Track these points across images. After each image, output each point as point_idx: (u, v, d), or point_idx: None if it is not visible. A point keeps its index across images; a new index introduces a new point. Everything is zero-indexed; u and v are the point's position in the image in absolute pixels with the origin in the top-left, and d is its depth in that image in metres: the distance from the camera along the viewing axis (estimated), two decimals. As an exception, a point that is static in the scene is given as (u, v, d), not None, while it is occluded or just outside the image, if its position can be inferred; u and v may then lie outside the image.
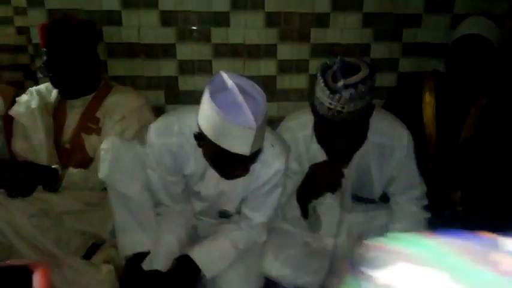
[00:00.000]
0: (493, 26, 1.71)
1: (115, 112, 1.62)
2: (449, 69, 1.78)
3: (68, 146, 1.64)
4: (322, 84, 1.20)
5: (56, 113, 1.67)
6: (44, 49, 1.55)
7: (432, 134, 1.78)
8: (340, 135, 1.25)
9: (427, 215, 1.54)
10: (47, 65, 1.55)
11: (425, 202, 1.55)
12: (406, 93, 1.86)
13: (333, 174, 1.33)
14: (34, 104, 1.65)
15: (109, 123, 1.62)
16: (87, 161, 1.62)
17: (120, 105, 1.64)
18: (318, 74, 1.23)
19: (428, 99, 1.81)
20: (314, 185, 1.35)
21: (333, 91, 1.17)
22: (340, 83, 1.16)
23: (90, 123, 1.63)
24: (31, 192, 1.46)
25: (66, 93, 1.63)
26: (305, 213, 1.45)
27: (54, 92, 1.67)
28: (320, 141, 1.36)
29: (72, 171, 1.55)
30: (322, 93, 1.20)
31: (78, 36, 1.56)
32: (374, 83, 1.21)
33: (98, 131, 1.62)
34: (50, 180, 1.50)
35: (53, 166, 1.53)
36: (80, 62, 1.57)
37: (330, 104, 1.19)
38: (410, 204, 1.52)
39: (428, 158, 1.78)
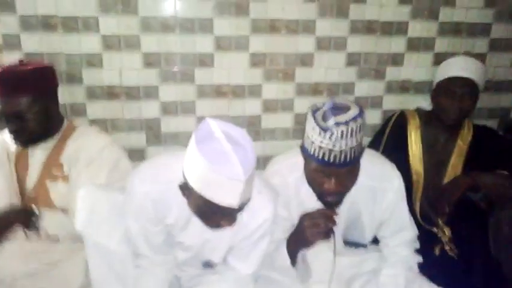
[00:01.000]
0: (482, 68, 1.76)
1: (80, 157, 1.55)
2: (436, 108, 1.80)
3: (32, 195, 1.57)
4: (313, 123, 1.20)
5: (17, 162, 1.60)
6: None
7: (419, 172, 1.78)
8: (331, 176, 1.23)
9: (419, 258, 1.51)
10: (1, 115, 1.48)
11: (417, 245, 1.52)
12: (391, 131, 1.86)
13: (325, 223, 1.30)
14: None
15: (75, 170, 1.54)
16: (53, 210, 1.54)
17: (83, 149, 1.56)
18: (309, 115, 1.24)
19: (414, 137, 1.81)
20: (306, 236, 1.32)
21: (324, 129, 1.17)
22: (331, 121, 1.17)
23: (54, 170, 1.56)
24: (5, 238, 1.40)
25: (23, 141, 1.55)
26: (294, 263, 1.41)
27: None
28: (310, 183, 1.33)
29: (49, 213, 1.49)
30: (313, 132, 1.20)
31: (29, 84, 1.49)
32: (364, 122, 1.21)
33: (65, 178, 1.55)
34: (28, 221, 1.44)
35: (27, 206, 1.48)
36: (34, 110, 1.49)
37: (321, 142, 1.18)
38: (401, 248, 1.49)
39: (414, 196, 1.75)
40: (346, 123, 1.16)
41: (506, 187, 1.55)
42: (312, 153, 1.22)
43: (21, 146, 1.57)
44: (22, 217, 1.44)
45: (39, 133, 1.54)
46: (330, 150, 1.18)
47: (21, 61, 1.57)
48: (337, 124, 1.16)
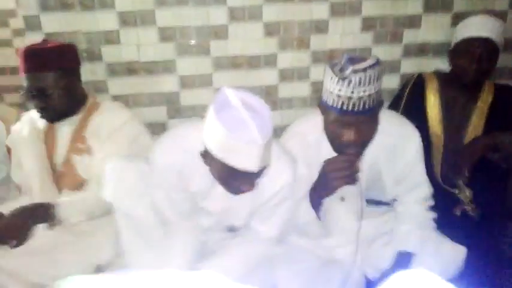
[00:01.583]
0: (500, 27, 1.71)
1: (101, 131, 1.60)
2: (454, 69, 1.77)
3: (62, 169, 1.63)
4: (332, 74, 1.22)
5: (46, 138, 1.65)
6: (24, 74, 1.52)
7: (439, 135, 1.77)
8: (350, 126, 1.24)
9: (433, 215, 1.52)
10: (27, 92, 1.53)
11: (431, 202, 1.53)
12: (409, 95, 1.85)
13: (348, 166, 1.29)
14: (25, 132, 1.64)
15: (97, 143, 1.60)
16: (79, 183, 1.60)
17: (105, 123, 1.61)
18: (327, 68, 1.25)
19: (432, 100, 1.80)
20: (329, 179, 1.31)
21: (343, 78, 1.19)
22: (349, 69, 1.18)
23: (80, 144, 1.61)
24: (29, 236, 1.42)
25: (49, 118, 1.60)
26: (319, 215, 1.42)
27: None
28: (330, 138, 1.34)
29: (65, 199, 1.52)
30: (331, 82, 1.22)
31: (54, 60, 1.53)
32: (382, 72, 1.22)
33: (89, 151, 1.60)
34: (47, 216, 1.45)
35: (42, 203, 1.48)
36: (58, 86, 1.54)
37: (340, 90, 1.20)
38: (415, 205, 1.51)
39: (434, 159, 1.75)
40: (364, 70, 1.17)
41: None
42: (331, 104, 1.24)
43: (48, 122, 1.62)
44: (40, 214, 1.44)
45: (64, 109, 1.59)
46: (349, 98, 1.19)
47: (44, 40, 1.62)
48: (355, 71, 1.17)
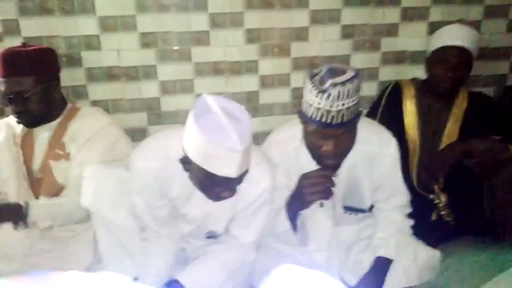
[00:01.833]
0: (475, 36, 1.75)
1: (79, 136, 1.59)
2: (430, 77, 1.82)
3: (39, 175, 1.60)
4: (311, 86, 1.23)
5: (23, 144, 1.63)
6: (1, 79, 1.50)
7: (415, 141, 1.80)
8: (329, 138, 1.26)
9: (410, 222, 1.55)
10: (4, 96, 1.50)
11: (409, 210, 1.56)
12: (386, 102, 1.89)
13: (324, 182, 1.32)
14: (1, 137, 1.62)
15: (75, 148, 1.58)
16: (57, 189, 1.57)
17: (84, 128, 1.60)
18: (306, 79, 1.26)
19: (409, 106, 1.84)
20: (304, 195, 1.33)
21: (322, 91, 1.20)
22: (328, 83, 1.19)
23: (58, 150, 1.59)
24: None
25: (26, 122, 1.58)
26: (294, 227, 1.44)
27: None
28: (310, 148, 1.36)
29: (39, 201, 1.51)
30: (310, 94, 1.23)
31: (32, 64, 1.51)
32: (360, 84, 1.24)
33: (67, 157, 1.58)
34: (15, 216, 1.43)
35: (14, 202, 1.47)
36: (36, 90, 1.52)
37: (319, 103, 1.21)
38: (394, 212, 1.54)
39: (411, 165, 1.79)
40: (343, 83, 1.19)
41: (498, 152, 1.59)
42: (310, 115, 1.25)
43: (25, 127, 1.60)
44: (8, 213, 1.43)
45: (42, 114, 1.57)
46: (328, 111, 1.21)
47: (23, 43, 1.60)
48: (334, 85, 1.18)
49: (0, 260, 1.39)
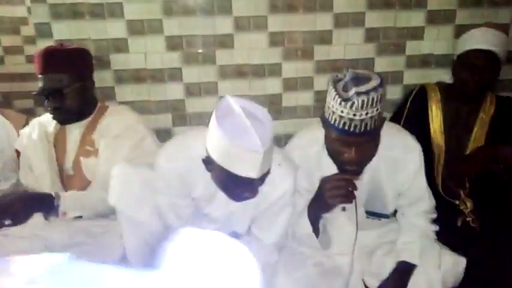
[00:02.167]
0: (503, 39, 1.72)
1: (108, 132, 1.65)
2: (456, 81, 1.79)
3: (70, 172, 1.66)
4: (334, 93, 1.22)
5: (56, 141, 1.69)
6: (39, 75, 1.58)
7: (441, 146, 1.78)
8: (351, 145, 1.26)
9: (435, 227, 1.53)
10: (42, 93, 1.58)
11: (434, 215, 1.54)
12: (411, 106, 1.87)
13: (345, 185, 1.31)
14: (35, 135, 1.68)
15: (102, 143, 1.64)
16: (86, 185, 1.63)
17: (113, 125, 1.66)
18: (330, 85, 1.26)
19: (434, 111, 1.81)
20: (326, 198, 1.32)
21: (345, 99, 1.19)
22: (352, 91, 1.19)
23: (88, 146, 1.65)
24: (25, 220, 1.47)
25: (61, 118, 1.65)
26: (316, 230, 1.44)
27: (54, 120, 1.70)
28: (331, 153, 1.36)
29: (69, 193, 1.57)
30: (334, 102, 1.23)
31: (71, 62, 1.59)
32: (385, 92, 1.24)
33: (96, 153, 1.64)
34: (46, 206, 1.50)
35: (45, 192, 1.54)
36: (73, 87, 1.59)
37: (342, 112, 1.21)
38: (418, 217, 1.51)
39: (436, 170, 1.76)
40: (367, 92, 1.18)
41: None
42: (332, 122, 1.25)
43: (59, 123, 1.67)
44: (40, 203, 1.50)
45: (76, 111, 1.64)
46: (351, 120, 1.20)
47: (61, 44, 1.68)
48: (358, 94, 1.18)
49: (42, 251, 1.44)
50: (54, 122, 1.68)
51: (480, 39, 1.70)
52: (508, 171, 1.68)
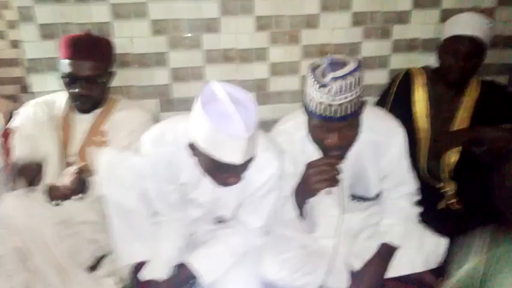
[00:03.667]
0: (488, 25, 1.72)
1: (123, 127, 1.66)
2: (441, 65, 1.80)
3: (74, 159, 1.66)
4: (312, 80, 1.23)
5: (64, 126, 1.68)
6: (68, 60, 1.56)
7: (426, 130, 1.79)
8: (333, 131, 1.27)
9: (418, 209, 1.55)
10: (69, 77, 1.57)
11: (417, 198, 1.57)
12: (397, 90, 1.88)
13: (329, 170, 1.32)
14: (44, 116, 1.67)
15: (116, 137, 1.65)
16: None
17: (128, 120, 1.68)
18: (308, 72, 1.26)
19: (419, 94, 1.82)
20: (311, 183, 1.34)
21: (323, 85, 1.20)
22: (329, 77, 1.19)
23: (97, 137, 1.65)
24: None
25: (84, 106, 1.65)
26: (302, 214, 1.46)
27: (62, 104, 1.69)
28: (314, 139, 1.37)
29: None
30: (312, 88, 1.23)
31: (104, 52, 1.62)
32: (362, 76, 1.24)
33: (105, 144, 1.64)
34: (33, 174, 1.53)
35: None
36: (101, 76, 1.61)
37: (321, 97, 1.21)
38: (401, 200, 1.54)
39: (420, 153, 1.79)
40: (344, 77, 1.18)
41: (508, 140, 1.58)
42: (312, 109, 1.26)
43: (79, 111, 1.67)
44: (29, 171, 1.52)
45: (99, 101, 1.66)
46: (330, 105, 1.21)
47: (88, 31, 1.68)
48: (335, 79, 1.18)
49: (55, 225, 1.48)
50: (63, 105, 1.68)
51: (465, 25, 1.70)
52: (489, 154, 1.70)
